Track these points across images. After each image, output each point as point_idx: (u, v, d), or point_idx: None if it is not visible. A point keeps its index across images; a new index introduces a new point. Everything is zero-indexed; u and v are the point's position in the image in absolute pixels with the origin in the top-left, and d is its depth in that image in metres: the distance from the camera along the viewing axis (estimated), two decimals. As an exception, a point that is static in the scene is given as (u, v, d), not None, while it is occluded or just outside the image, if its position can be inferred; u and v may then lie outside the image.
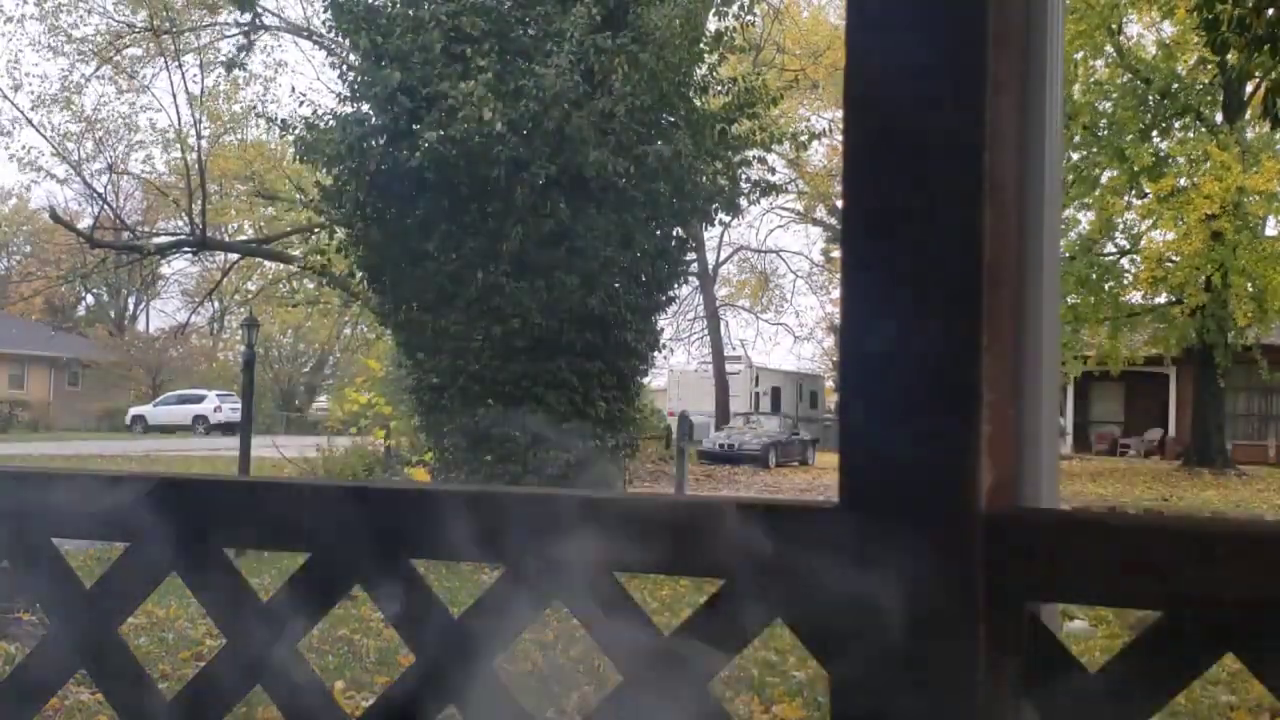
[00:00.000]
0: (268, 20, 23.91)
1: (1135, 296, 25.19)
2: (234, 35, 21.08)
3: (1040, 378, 1.03)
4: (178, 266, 40.02)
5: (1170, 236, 23.35)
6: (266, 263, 27.57)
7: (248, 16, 18.95)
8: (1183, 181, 22.57)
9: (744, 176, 14.41)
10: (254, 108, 23.34)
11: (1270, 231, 24.47)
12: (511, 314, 12.13)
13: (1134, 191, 24.11)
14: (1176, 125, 25.41)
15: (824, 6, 35.63)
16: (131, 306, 51.10)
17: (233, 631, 1.22)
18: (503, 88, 11.82)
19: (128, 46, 25.05)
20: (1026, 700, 0.97)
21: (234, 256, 26.51)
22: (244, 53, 20.89)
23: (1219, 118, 24.73)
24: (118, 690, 1.25)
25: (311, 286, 24.56)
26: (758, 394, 36.24)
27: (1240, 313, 22.26)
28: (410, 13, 12.30)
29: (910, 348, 0.94)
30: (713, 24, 14.13)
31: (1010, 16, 0.97)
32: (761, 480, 22.81)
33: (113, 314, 50.60)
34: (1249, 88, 22.49)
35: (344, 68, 13.31)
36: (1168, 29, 25.70)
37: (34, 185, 67.76)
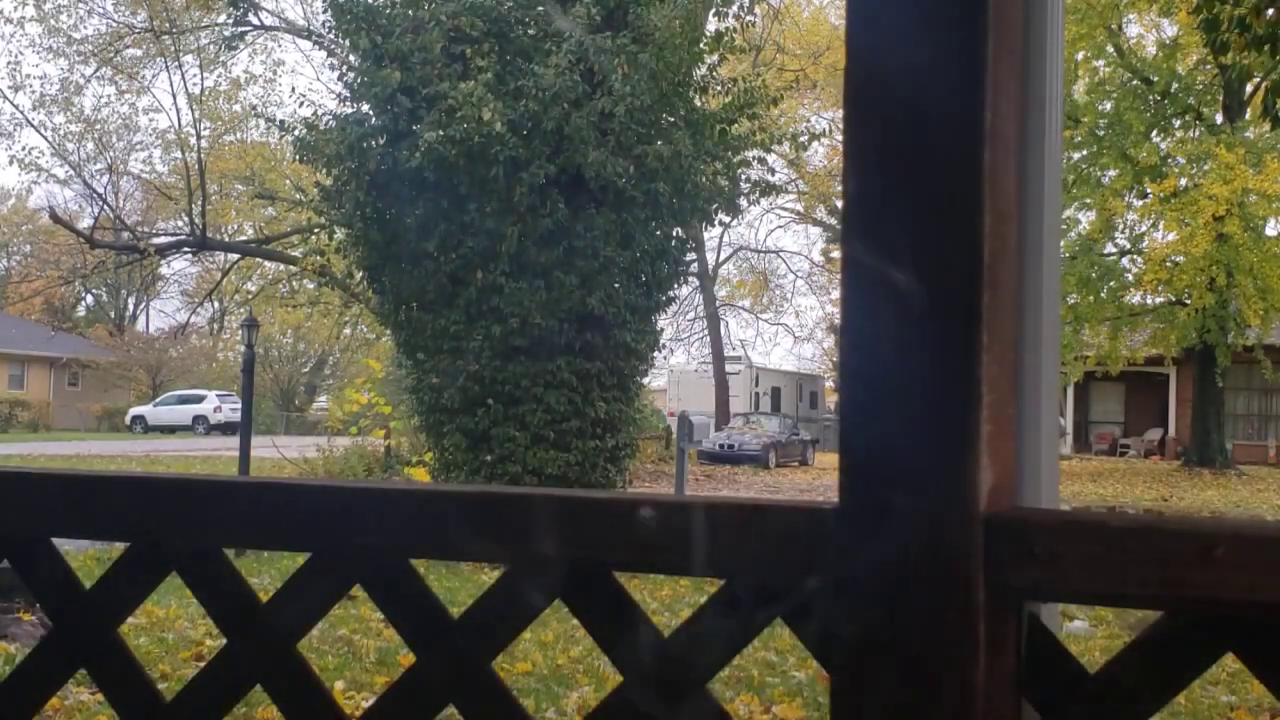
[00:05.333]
0: (268, 20, 23.93)
1: (1135, 296, 25.19)
2: (230, 26, 21.03)
3: (1040, 378, 1.03)
4: (178, 266, 40.09)
5: (1172, 237, 23.35)
6: (266, 263, 27.56)
7: None
8: (1183, 182, 22.58)
9: (744, 176, 14.39)
10: (254, 108, 23.33)
11: (1270, 232, 24.48)
12: (511, 314, 12.12)
13: (1134, 192, 24.11)
14: (1176, 125, 25.42)
15: (824, 6, 35.66)
16: (131, 306, 51.15)
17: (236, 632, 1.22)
18: (502, 88, 11.81)
19: (128, 47, 25.06)
20: (1026, 700, 0.97)
21: (234, 257, 26.51)
22: (237, 39, 20.78)
23: (1219, 118, 24.75)
24: (118, 690, 1.25)
25: (311, 286, 24.54)
26: (758, 394, 36.26)
27: (1250, 312, 22.25)
28: (410, 13, 12.30)
29: (910, 348, 0.94)
30: (713, 24, 14.14)
31: (1010, 16, 0.97)
32: (761, 480, 22.82)
33: (113, 314, 50.63)
34: (1249, 88, 22.51)
35: (344, 68, 13.30)
36: (1168, 29, 25.72)
37: (34, 186, 67.85)
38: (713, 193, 13.17)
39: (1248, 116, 23.40)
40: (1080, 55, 24.16)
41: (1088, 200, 24.30)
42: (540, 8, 12.39)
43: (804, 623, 1.02)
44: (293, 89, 49.71)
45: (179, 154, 24.37)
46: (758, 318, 44.68)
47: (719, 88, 13.74)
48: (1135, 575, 0.90)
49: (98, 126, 26.05)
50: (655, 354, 14.55)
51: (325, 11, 13.10)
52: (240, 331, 17.35)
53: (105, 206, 26.09)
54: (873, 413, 0.95)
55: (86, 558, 8.51)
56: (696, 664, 1.06)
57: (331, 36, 14.21)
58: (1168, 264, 23.09)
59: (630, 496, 1.12)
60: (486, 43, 12.01)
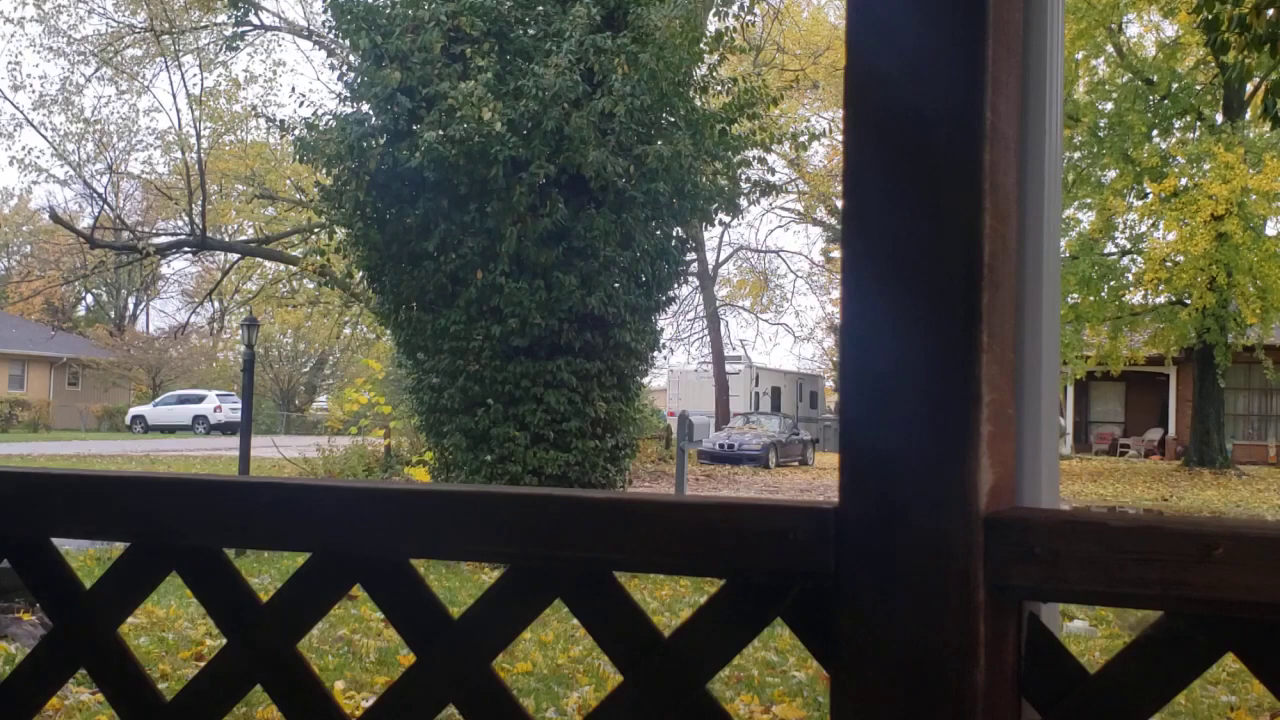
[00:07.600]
0: (268, 20, 23.93)
1: (1136, 296, 25.19)
2: (230, 26, 21.02)
3: (1040, 378, 1.03)
4: (178, 266, 40.17)
5: (1172, 237, 23.37)
6: (266, 263, 27.57)
7: None
8: (1183, 182, 22.59)
9: (744, 176, 14.39)
10: (254, 108, 23.33)
11: (1270, 231, 24.49)
12: (511, 314, 12.12)
13: (1134, 191, 24.12)
14: (1176, 125, 25.43)
15: (824, 6, 35.68)
16: (131, 306, 51.15)
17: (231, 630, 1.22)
18: (503, 88, 11.81)
19: (128, 47, 25.08)
20: (1026, 700, 0.97)
21: (234, 256, 26.52)
22: (237, 39, 20.74)
23: (1219, 118, 24.75)
24: (118, 690, 1.25)
25: (311, 286, 24.55)
26: (758, 394, 36.26)
27: (1248, 311, 22.27)
28: (410, 13, 12.29)
29: (910, 347, 0.94)
30: (713, 24, 14.13)
31: (1010, 16, 0.97)
32: (761, 480, 22.82)
33: (113, 314, 50.63)
34: (1249, 88, 22.52)
35: (344, 68, 13.30)
36: (1168, 29, 25.73)
37: (34, 186, 67.90)
38: (713, 193, 13.16)
39: (1248, 116, 23.41)
40: (1080, 55, 24.16)
41: (1088, 200, 24.30)
42: (540, 8, 12.39)
43: (804, 622, 1.02)
44: (293, 89, 49.60)
45: (179, 154, 24.38)
46: (758, 318, 44.72)
47: (719, 88, 13.73)
48: (1135, 575, 0.90)
49: (98, 126, 26.07)
50: (655, 354, 14.53)
51: (325, 11, 13.09)
52: (240, 331, 17.36)
53: (105, 206, 26.08)
54: (873, 412, 0.95)
55: (86, 558, 8.51)
56: (697, 664, 1.06)
57: (331, 36, 14.22)
58: (1168, 263, 23.10)
59: (630, 497, 1.12)
60: (486, 43, 12.01)
